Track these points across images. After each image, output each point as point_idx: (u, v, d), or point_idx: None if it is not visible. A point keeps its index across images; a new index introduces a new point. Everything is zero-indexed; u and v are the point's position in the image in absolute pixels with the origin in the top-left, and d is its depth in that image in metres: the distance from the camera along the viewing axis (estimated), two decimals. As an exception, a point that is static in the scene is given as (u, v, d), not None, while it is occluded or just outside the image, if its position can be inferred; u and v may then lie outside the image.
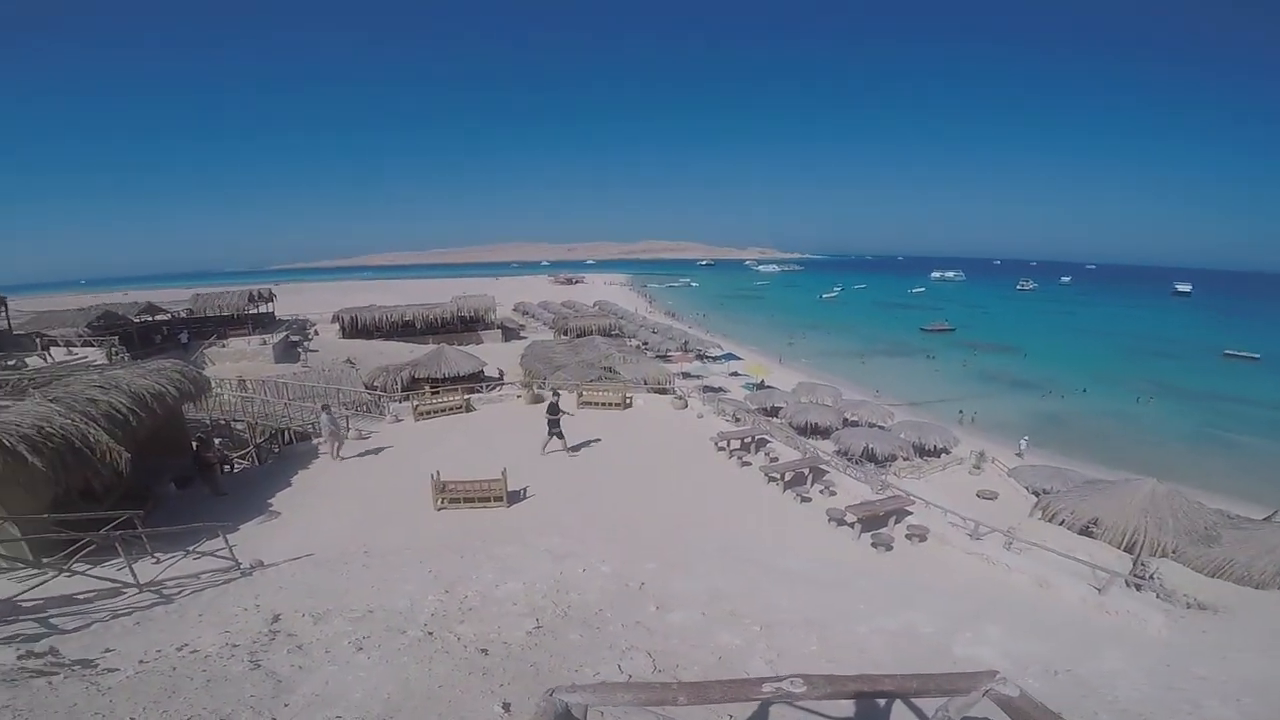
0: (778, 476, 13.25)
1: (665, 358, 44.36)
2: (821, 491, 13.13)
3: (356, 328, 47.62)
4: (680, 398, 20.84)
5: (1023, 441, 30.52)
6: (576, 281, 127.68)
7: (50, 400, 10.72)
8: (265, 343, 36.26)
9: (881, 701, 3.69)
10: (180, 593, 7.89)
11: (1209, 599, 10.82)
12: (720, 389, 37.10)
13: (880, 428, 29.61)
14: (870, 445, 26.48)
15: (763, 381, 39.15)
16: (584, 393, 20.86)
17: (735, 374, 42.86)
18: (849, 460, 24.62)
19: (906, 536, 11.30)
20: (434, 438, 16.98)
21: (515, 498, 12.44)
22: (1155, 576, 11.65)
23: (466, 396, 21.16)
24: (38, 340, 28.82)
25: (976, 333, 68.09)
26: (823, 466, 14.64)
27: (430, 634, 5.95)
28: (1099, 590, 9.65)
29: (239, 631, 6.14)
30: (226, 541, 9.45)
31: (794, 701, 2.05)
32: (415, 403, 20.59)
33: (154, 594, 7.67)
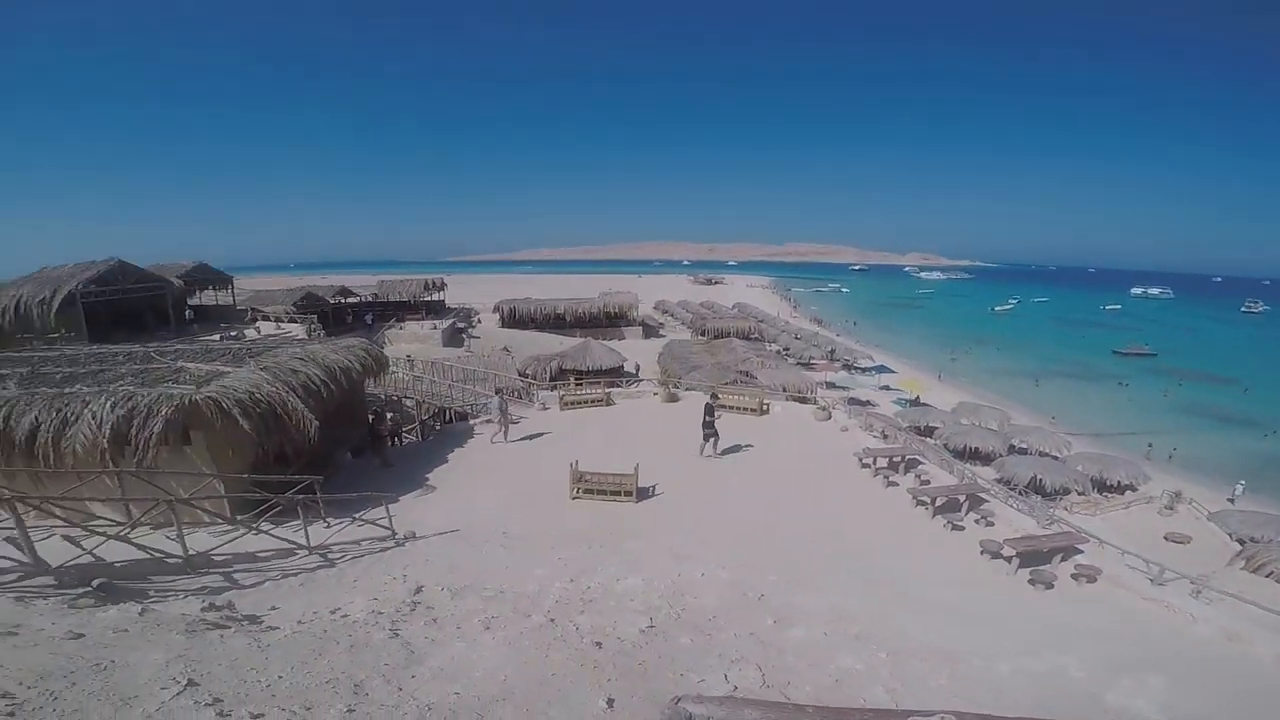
0: (928, 500, 12.41)
1: (808, 366, 42.61)
2: (977, 521, 12.12)
3: (514, 318, 50.82)
4: (823, 408, 19.96)
5: (1238, 486, 26.07)
6: (716, 282, 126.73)
7: (261, 369, 12.38)
8: (436, 328, 39.73)
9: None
10: (342, 557, 8.64)
11: None
12: (868, 403, 35.02)
13: (1053, 457, 26.60)
14: (1039, 476, 23.71)
15: (918, 398, 36.29)
16: (718, 395, 20.52)
17: (886, 388, 40.22)
18: (1012, 490, 22.09)
19: (1072, 576, 10.16)
20: (575, 427, 17.50)
21: (644, 494, 12.48)
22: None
23: (607, 390, 21.66)
24: (256, 315, 34.15)
25: (1183, 359, 57.89)
26: (981, 495, 13.46)
27: (552, 621, 6.05)
28: (1306, 649, 7.69)
29: (385, 600, 6.54)
30: (388, 512, 10.31)
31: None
32: (561, 392, 21.50)
33: (320, 557, 8.49)
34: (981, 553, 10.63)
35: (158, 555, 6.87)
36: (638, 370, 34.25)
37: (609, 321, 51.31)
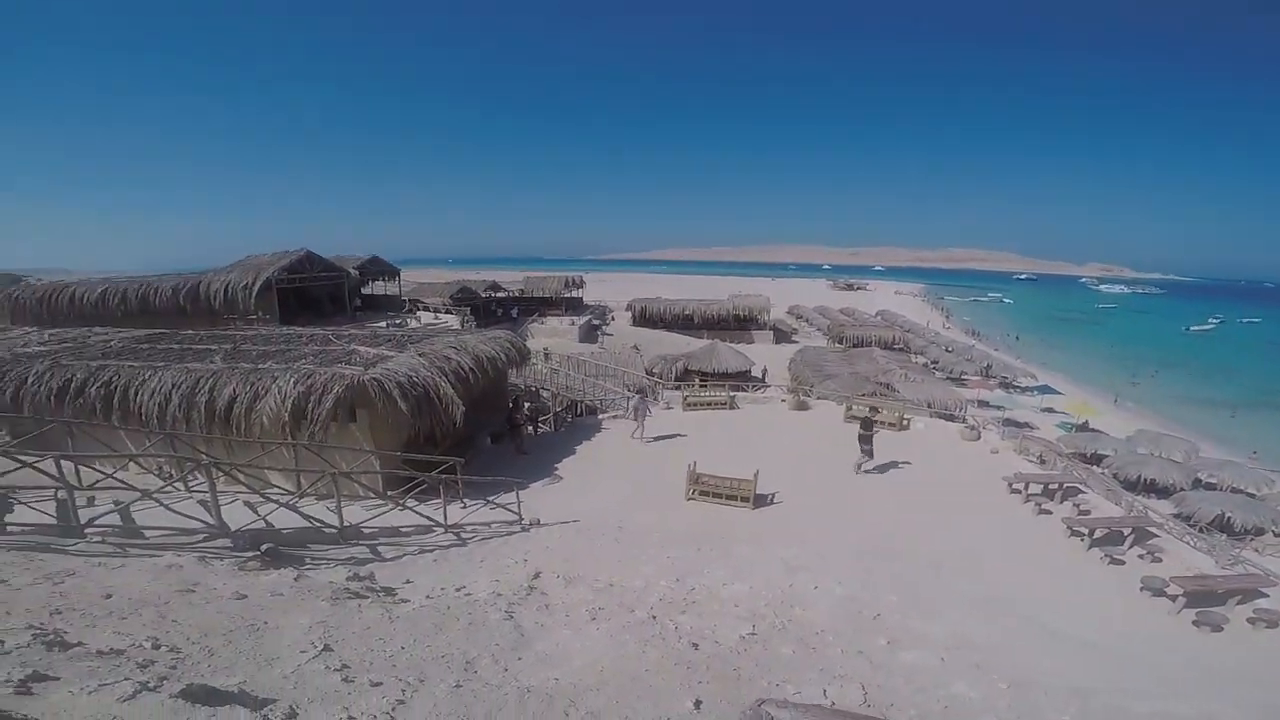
0: (1085, 531, 11.58)
1: (959, 381, 39.25)
2: (1141, 556, 11.21)
3: (644, 317, 51.70)
4: (972, 428, 18.65)
5: None
6: (858, 288, 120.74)
7: (419, 355, 13.45)
8: (573, 324, 41.39)
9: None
10: (473, 537, 9.18)
11: None
12: (1026, 424, 31.74)
13: (1248, 494, 22.84)
14: (1228, 513, 20.43)
15: (1086, 423, 32.11)
16: (853, 407, 19.73)
17: (1049, 410, 36.04)
18: (1190, 527, 19.09)
19: (1249, 620, 9.21)
20: (697, 428, 17.53)
21: (762, 501, 12.31)
22: None
23: (732, 394, 21.55)
24: (417, 305, 37.48)
25: None
26: (1151, 529, 12.37)
27: (654, 618, 6.08)
28: None
29: (506, 582, 6.84)
30: (518, 497, 10.82)
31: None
32: (685, 393, 21.49)
33: (454, 535, 9.06)
34: (1141, 589, 9.88)
35: (318, 525, 7.63)
36: (764, 375, 33.43)
37: (738, 324, 50.56)
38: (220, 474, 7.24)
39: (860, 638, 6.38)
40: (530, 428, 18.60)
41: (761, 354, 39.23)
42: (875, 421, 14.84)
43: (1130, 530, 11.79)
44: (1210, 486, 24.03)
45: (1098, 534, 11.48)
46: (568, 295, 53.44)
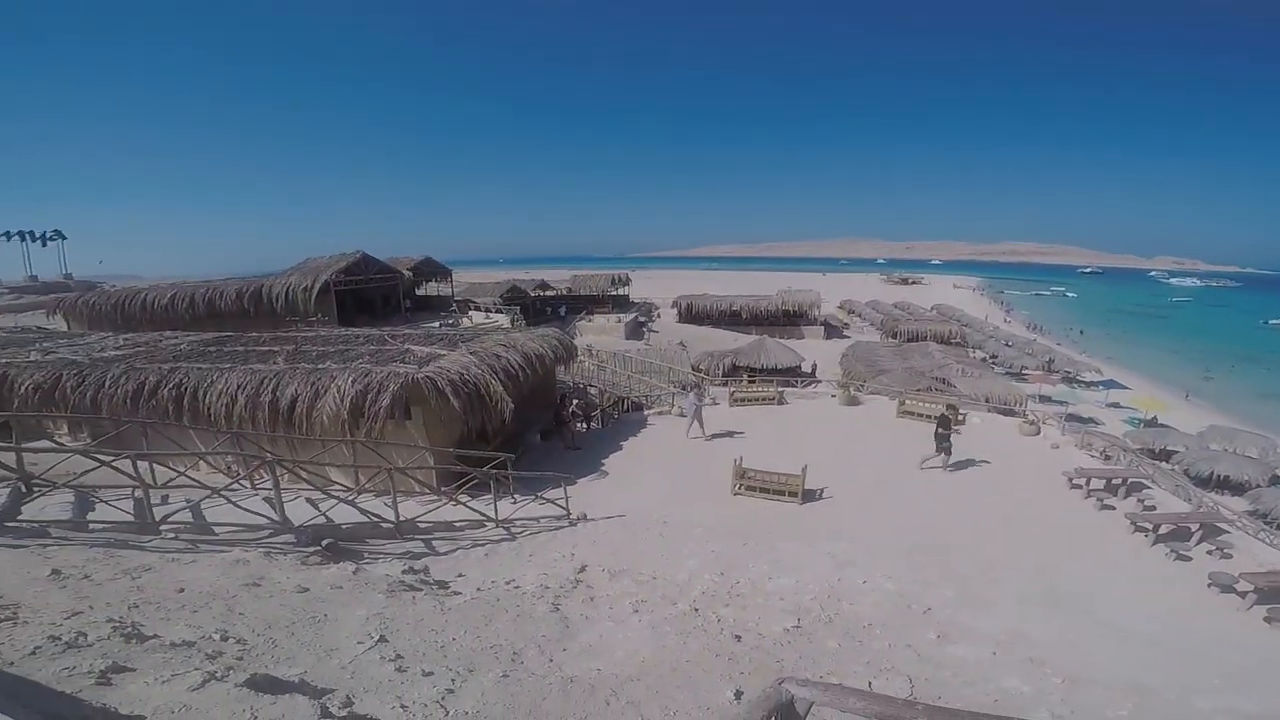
0: (1149, 526, 11.18)
1: (1019, 376, 37.70)
2: (1210, 552, 10.81)
3: (691, 313, 51.44)
4: (1031, 422, 18.16)
5: None
6: (913, 282, 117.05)
7: (471, 353, 13.69)
8: (620, 321, 41.59)
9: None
10: (522, 532, 9.33)
11: None
12: (1090, 420, 30.35)
13: None
14: None
15: (1155, 418, 30.43)
16: (906, 402, 19.23)
17: (1115, 405, 34.39)
18: (1267, 524, 17.85)
19: None
20: (744, 424, 17.38)
21: (810, 496, 12.18)
22: None
23: (780, 389, 21.29)
24: (468, 305, 38.28)
25: None
26: (1221, 525, 11.87)
27: (696, 610, 6.12)
28: None
29: (553, 575, 6.95)
30: (566, 493, 10.96)
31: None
32: (732, 389, 21.27)
33: (504, 530, 9.21)
34: (1209, 585, 9.53)
35: (375, 519, 7.86)
36: (814, 370, 32.80)
37: (787, 320, 49.71)
38: (284, 471, 7.52)
39: (909, 632, 6.32)
40: (581, 424, 18.73)
41: (812, 349, 38.60)
42: (954, 420, 14.46)
43: (1198, 526, 11.34)
44: (1288, 483, 22.35)
45: (1163, 529, 11.08)
46: (614, 293, 53.74)
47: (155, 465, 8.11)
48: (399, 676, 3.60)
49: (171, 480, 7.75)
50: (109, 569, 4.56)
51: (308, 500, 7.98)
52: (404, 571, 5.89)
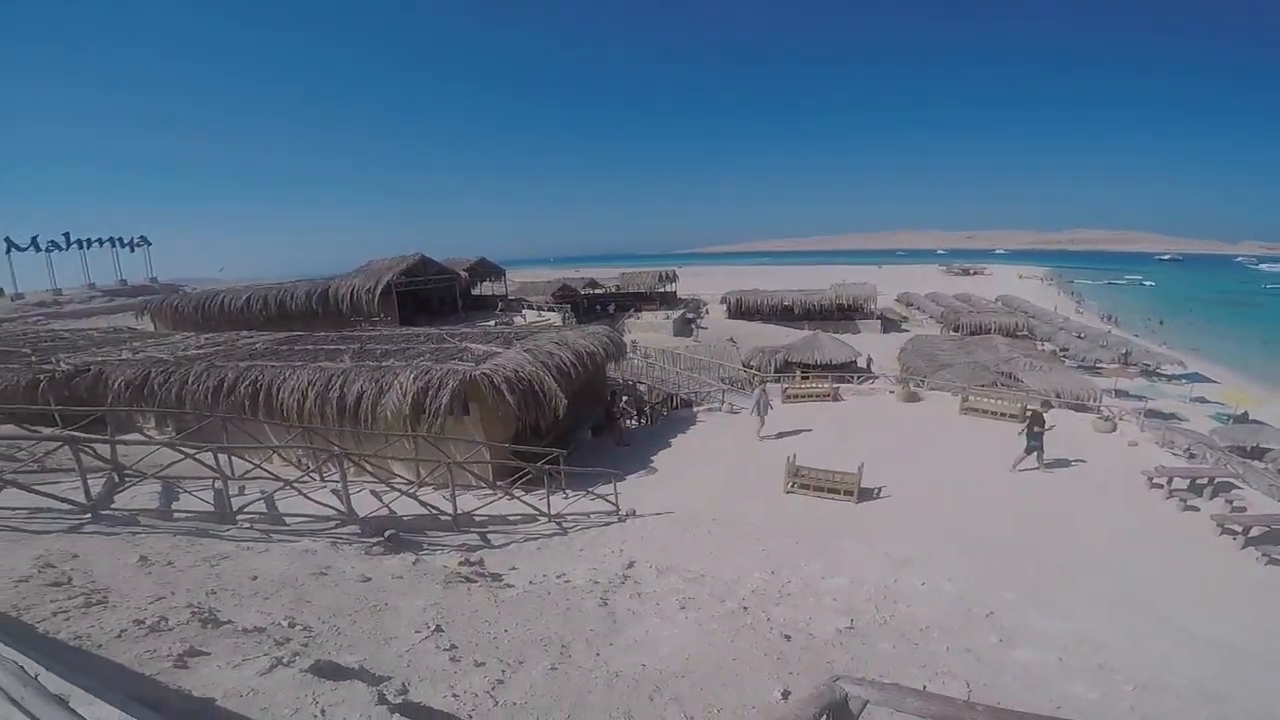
0: (1238, 529, 10.44)
1: (1093, 370, 35.71)
2: None
3: (740, 309, 50.96)
4: (1106, 419, 17.14)
5: None
6: (975, 273, 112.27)
7: (524, 351, 13.99)
8: (668, 318, 41.64)
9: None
10: (573, 527, 9.46)
11: None
12: (1172, 415, 28.41)
13: None
14: None
15: (1246, 414, 28.26)
16: (970, 398, 18.54)
17: (1200, 400, 32.17)
18: None
19: None
20: (797, 421, 17.08)
21: (867, 495, 11.88)
22: None
23: (835, 385, 20.86)
24: (521, 304, 39.02)
25: None
26: None
27: (745, 609, 6.08)
28: None
29: (602, 571, 7.03)
30: (615, 489, 11.09)
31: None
32: (785, 385, 20.95)
33: (556, 525, 9.37)
34: None
35: (434, 512, 8.14)
36: (870, 364, 31.96)
37: (842, 314, 48.64)
38: (350, 464, 7.85)
39: (969, 635, 6.11)
40: (635, 419, 18.86)
41: (868, 344, 37.70)
42: (1045, 417, 13.83)
43: (1295, 528, 10.43)
44: None
45: (1254, 532, 10.29)
46: (661, 290, 53.80)
47: (233, 458, 8.61)
48: (452, 666, 3.73)
49: (248, 472, 8.23)
50: (190, 556, 4.88)
51: (372, 492, 8.31)
52: (460, 563, 6.08)
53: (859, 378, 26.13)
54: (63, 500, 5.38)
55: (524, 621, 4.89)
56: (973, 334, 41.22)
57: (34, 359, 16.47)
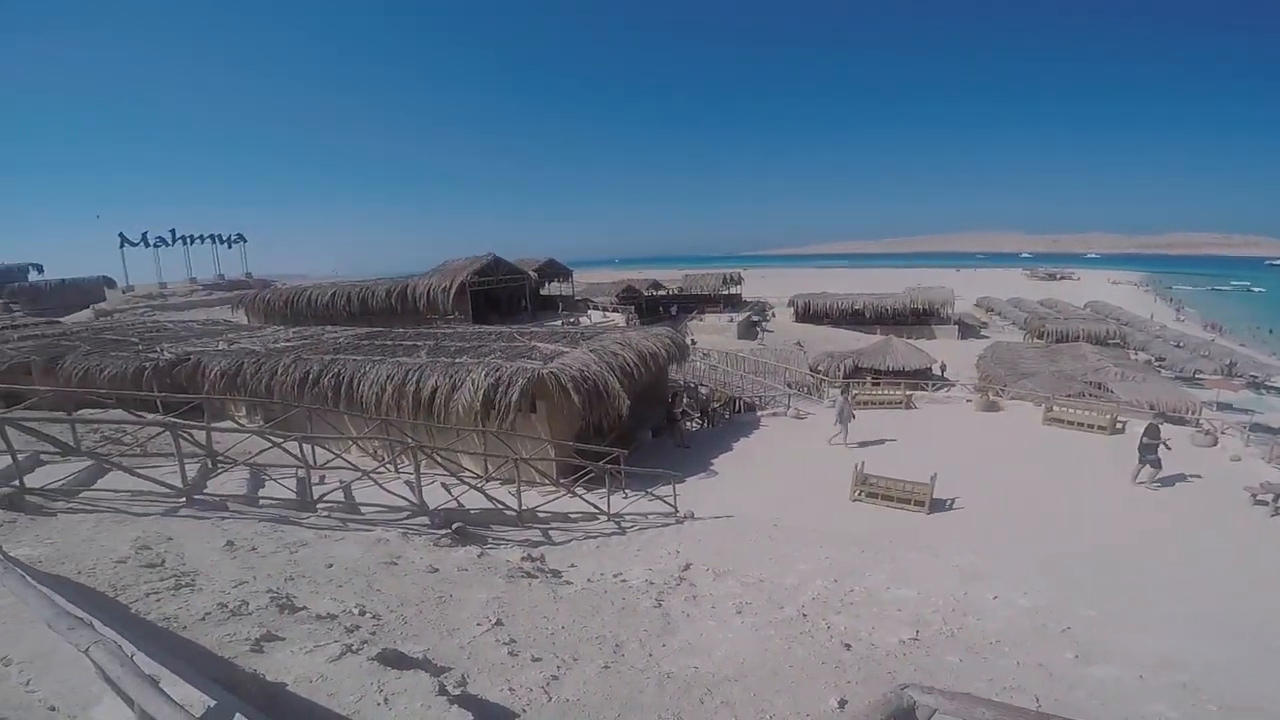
0: None
1: (1192, 381, 33.07)
2: None
3: (808, 313, 49.80)
4: (1206, 432, 16.04)
5: None
6: (1062, 277, 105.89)
7: (590, 351, 14.17)
8: (732, 320, 41.17)
9: None
10: (632, 527, 9.50)
11: None
12: None
13: None
14: None
15: (1364, 428, 25.41)
16: (1054, 408, 17.60)
17: (1314, 413, 29.26)
18: None
19: None
20: (867, 429, 16.54)
21: (939, 506, 11.46)
22: None
23: (908, 393, 20.18)
24: (586, 304, 39.53)
25: None
26: None
27: (804, 615, 5.98)
28: None
29: (658, 572, 7.02)
30: (674, 490, 11.05)
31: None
32: (853, 391, 20.37)
33: (615, 524, 9.44)
34: None
35: (500, 507, 8.34)
36: (943, 371, 30.61)
37: (916, 319, 46.77)
38: (423, 457, 8.14)
39: (1042, 650, 5.85)
40: (698, 422, 18.76)
41: (944, 350, 36.14)
42: (1160, 430, 12.98)
43: None
44: None
45: None
46: (725, 292, 53.35)
47: (315, 447, 9.08)
48: (510, 660, 3.80)
49: (328, 462, 8.66)
50: (272, 543, 5.16)
51: (442, 485, 8.58)
52: (523, 558, 6.19)
53: (934, 385, 25.11)
54: (161, 484, 5.79)
55: (580, 619, 4.95)
56: (1058, 341, 38.85)
57: (140, 348, 17.85)
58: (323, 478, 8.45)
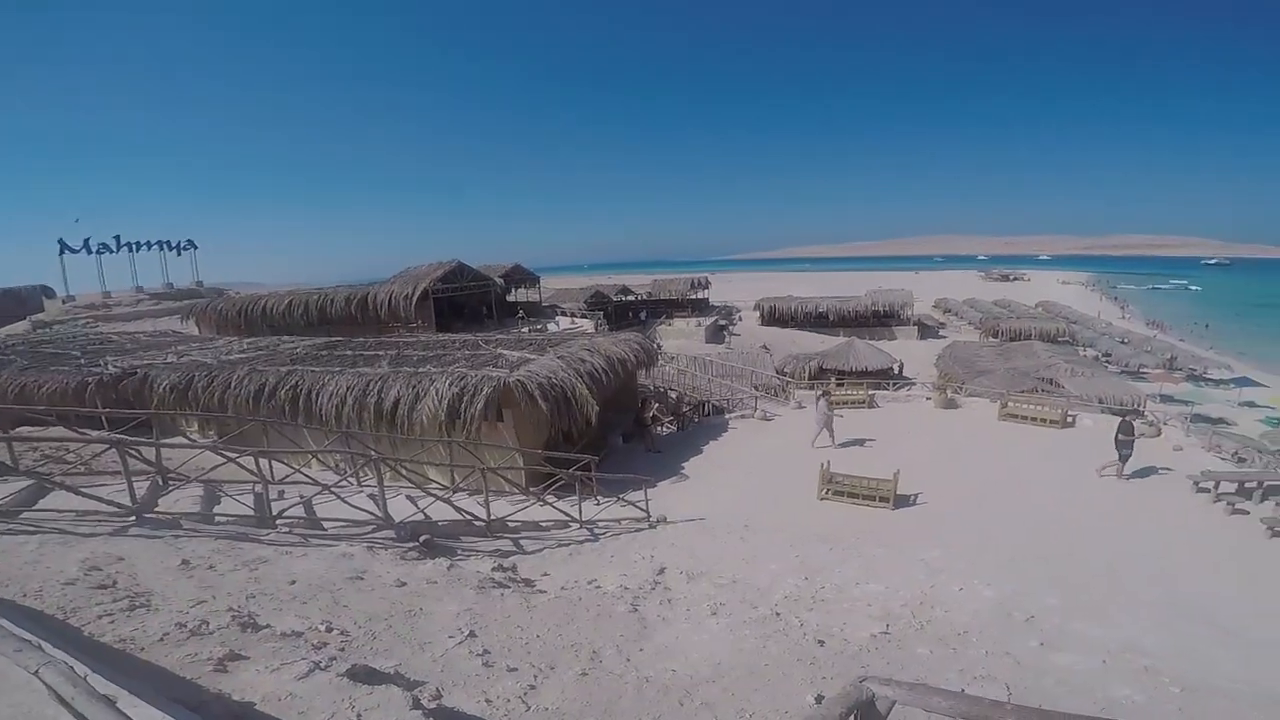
0: None
1: (1137, 375, 34.74)
2: None
3: (774, 316, 50.49)
4: (1150, 424, 17.09)
5: None
6: (1014, 278, 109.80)
7: (558, 358, 14.05)
8: (700, 325, 41.33)
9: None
10: (605, 533, 9.48)
11: None
12: (1220, 420, 27.83)
13: None
14: None
15: (1296, 416, 27.35)
16: (1009, 404, 18.21)
17: (1249, 404, 31.41)
18: None
19: None
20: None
21: (904, 502, 11.78)
22: None
23: (870, 392, 20.66)
24: (554, 310, 39.28)
25: None
26: None
27: (777, 614, 6.08)
28: None
29: (632, 576, 7.04)
30: (646, 495, 11.07)
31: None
32: (818, 392, 20.70)
33: (588, 531, 9.39)
34: None
35: (468, 517, 8.18)
36: (900, 369, 31.47)
37: (878, 320, 47.91)
38: (387, 469, 7.94)
39: (1009, 639, 6.02)
40: (669, 425, 18.79)
41: (905, 350, 37.25)
42: (1135, 426, 13.52)
43: (1351, 529, 10.08)
44: None
45: None
46: (693, 297, 53.69)
47: (273, 462, 8.76)
48: (486, 671, 3.74)
49: (287, 477, 8.37)
50: (230, 560, 4.95)
51: (407, 497, 8.37)
52: (494, 569, 6.10)
53: (895, 384, 25.71)
54: (109, 503, 5.50)
55: (555, 627, 4.91)
56: (1012, 340, 40.37)
57: (83, 361, 16.97)
58: (281, 493, 8.15)
